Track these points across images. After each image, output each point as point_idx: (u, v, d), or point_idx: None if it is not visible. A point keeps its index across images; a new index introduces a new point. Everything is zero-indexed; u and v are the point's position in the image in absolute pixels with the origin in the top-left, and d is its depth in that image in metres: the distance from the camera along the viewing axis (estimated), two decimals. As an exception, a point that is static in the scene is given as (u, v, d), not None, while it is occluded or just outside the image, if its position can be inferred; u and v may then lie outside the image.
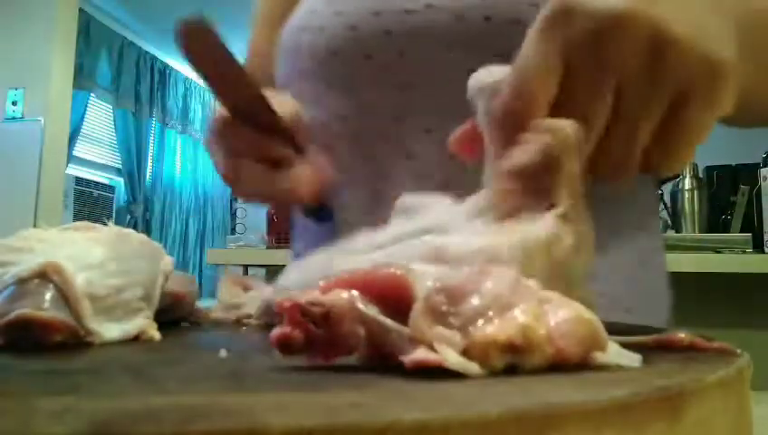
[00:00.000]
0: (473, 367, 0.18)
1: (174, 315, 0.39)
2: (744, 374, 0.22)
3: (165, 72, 4.71)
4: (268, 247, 2.29)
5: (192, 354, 0.29)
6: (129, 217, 4.24)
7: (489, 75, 0.32)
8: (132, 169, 4.31)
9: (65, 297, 0.28)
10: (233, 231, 5.14)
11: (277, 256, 2.01)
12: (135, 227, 3.28)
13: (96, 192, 4.04)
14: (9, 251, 0.31)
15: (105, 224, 0.37)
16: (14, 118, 3.30)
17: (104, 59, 4.03)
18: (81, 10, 3.61)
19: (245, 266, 2.61)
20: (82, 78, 3.77)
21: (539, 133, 0.28)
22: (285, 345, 0.21)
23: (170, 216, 4.72)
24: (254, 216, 5.42)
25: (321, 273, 0.35)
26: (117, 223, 0.37)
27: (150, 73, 4.52)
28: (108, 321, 0.30)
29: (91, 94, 3.93)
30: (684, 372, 0.20)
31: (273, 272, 1.81)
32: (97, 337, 0.29)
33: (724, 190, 1.93)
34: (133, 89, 4.31)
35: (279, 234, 2.28)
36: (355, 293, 0.21)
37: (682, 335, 0.26)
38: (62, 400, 0.16)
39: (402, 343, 0.19)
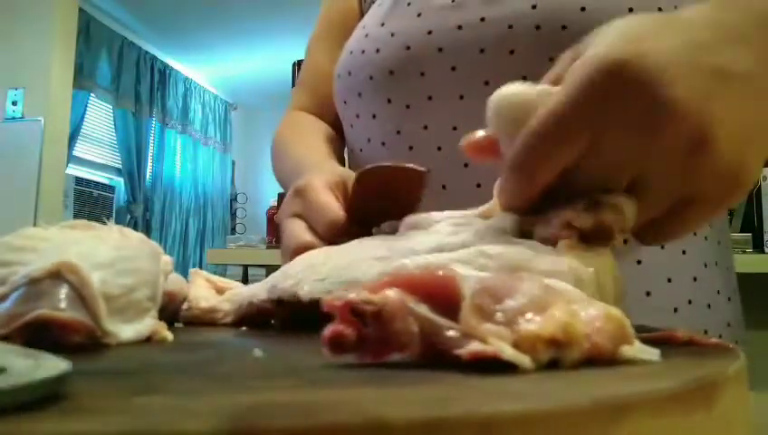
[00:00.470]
0: (525, 359, 0.19)
1: (166, 315, 0.39)
2: (746, 369, 0.24)
3: (165, 72, 4.71)
4: (268, 247, 2.29)
5: (226, 354, 0.29)
6: (129, 217, 4.24)
7: (509, 96, 0.32)
8: (132, 169, 4.31)
9: (81, 297, 0.28)
10: (233, 231, 5.15)
11: (277, 256, 2.01)
12: (135, 227, 3.28)
13: (96, 192, 4.04)
14: (10, 250, 0.31)
15: (105, 224, 0.37)
16: (14, 118, 3.30)
17: (104, 59, 4.02)
18: (81, 10, 3.61)
19: (245, 266, 2.61)
20: (82, 78, 3.77)
21: (598, 205, 0.28)
22: (338, 344, 0.21)
23: (170, 216, 4.72)
24: (254, 216, 5.43)
25: (328, 265, 0.35)
26: (117, 223, 0.37)
27: (150, 73, 4.51)
28: (121, 321, 0.29)
29: (91, 94, 3.93)
30: (703, 366, 0.21)
31: (272, 272, 1.80)
32: (113, 338, 0.28)
33: (725, 190, 1.93)
34: (133, 89, 4.31)
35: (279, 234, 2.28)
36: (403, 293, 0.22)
37: (681, 332, 0.27)
38: (173, 399, 0.16)
39: (454, 339, 0.20)
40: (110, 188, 4.23)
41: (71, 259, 0.28)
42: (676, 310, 0.53)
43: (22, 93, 3.32)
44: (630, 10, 0.51)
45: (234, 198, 5.59)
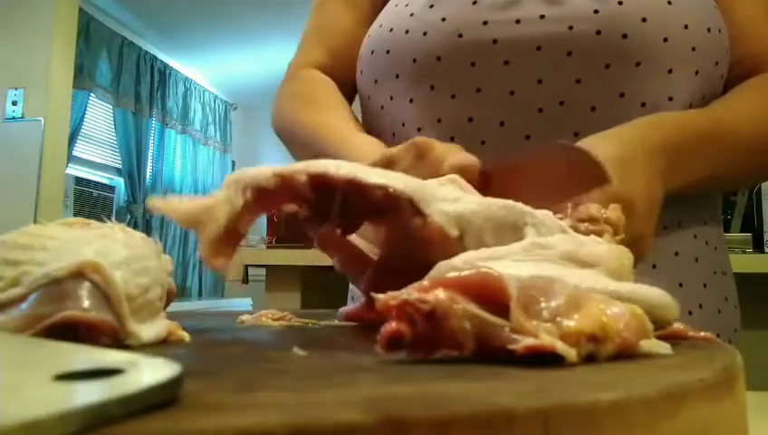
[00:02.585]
0: (572, 353, 0.21)
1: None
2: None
3: (165, 72, 4.71)
4: (268, 247, 2.29)
5: (267, 353, 0.29)
6: (129, 217, 4.23)
7: None
8: (132, 169, 4.30)
9: (106, 297, 0.27)
10: (233, 231, 5.14)
11: (277, 256, 2.01)
12: (135, 227, 3.26)
13: (96, 192, 4.03)
14: (17, 248, 0.30)
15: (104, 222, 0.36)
16: (14, 118, 3.30)
17: (104, 59, 4.02)
18: (81, 10, 3.61)
19: (246, 266, 2.60)
20: (82, 78, 3.76)
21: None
22: (394, 341, 0.22)
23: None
24: (255, 216, 5.39)
25: None
26: (118, 223, 0.36)
27: (150, 73, 4.51)
28: (137, 322, 0.29)
29: (91, 94, 3.93)
30: (716, 358, 0.23)
31: (273, 272, 1.81)
32: (134, 339, 0.27)
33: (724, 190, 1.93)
34: (133, 89, 4.30)
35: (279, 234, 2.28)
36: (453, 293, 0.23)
37: (680, 326, 0.30)
38: (290, 395, 0.16)
39: (505, 335, 0.22)
40: (110, 188, 4.23)
41: (93, 259, 0.27)
42: (690, 313, 0.55)
43: (22, 93, 3.31)
44: (686, 27, 0.53)
45: (234, 198, 5.58)
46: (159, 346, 0.29)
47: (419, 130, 0.58)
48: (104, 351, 0.19)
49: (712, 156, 0.52)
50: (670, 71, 0.53)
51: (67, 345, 0.21)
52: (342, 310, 0.45)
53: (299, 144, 0.66)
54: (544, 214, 0.34)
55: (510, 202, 0.34)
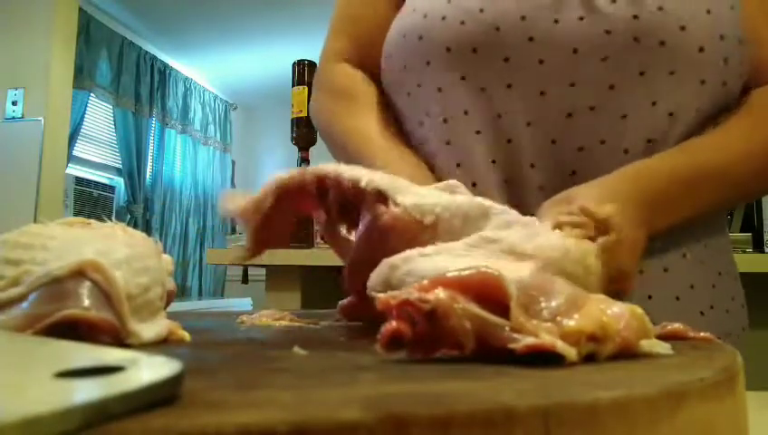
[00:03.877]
0: (572, 352, 0.21)
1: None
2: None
3: (165, 71, 4.71)
4: (268, 247, 2.28)
5: (267, 353, 0.29)
6: (128, 216, 4.23)
7: None
8: (132, 169, 4.30)
9: (107, 296, 0.27)
10: (233, 231, 5.14)
11: (277, 256, 2.01)
12: (135, 227, 3.24)
13: (96, 192, 4.03)
14: (18, 248, 0.30)
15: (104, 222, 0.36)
16: (14, 118, 3.30)
17: (104, 59, 4.02)
18: (81, 10, 3.61)
19: (245, 266, 2.60)
20: (82, 78, 3.76)
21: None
22: (395, 341, 0.22)
23: (170, 216, 4.71)
24: (254, 216, 5.37)
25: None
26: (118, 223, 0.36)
27: (150, 73, 4.51)
28: (138, 321, 0.29)
29: (91, 94, 3.93)
30: (716, 358, 0.23)
31: (273, 272, 1.81)
32: (135, 338, 0.27)
33: (724, 190, 1.93)
34: (133, 89, 4.30)
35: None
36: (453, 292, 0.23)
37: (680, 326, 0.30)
38: (289, 393, 0.16)
39: (505, 335, 0.22)
40: (110, 188, 4.23)
41: (94, 258, 0.27)
42: (702, 313, 0.56)
43: (22, 93, 3.31)
44: (721, 37, 0.52)
45: (234, 198, 5.58)
46: (160, 345, 0.29)
47: (445, 121, 0.57)
48: (105, 349, 0.19)
49: (699, 197, 0.52)
50: (703, 82, 0.53)
51: (67, 343, 0.21)
52: (341, 303, 0.45)
53: (336, 146, 0.65)
54: (507, 208, 0.35)
55: (478, 199, 0.35)
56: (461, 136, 0.57)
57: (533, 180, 0.54)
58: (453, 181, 0.39)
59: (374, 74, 0.66)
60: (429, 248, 0.30)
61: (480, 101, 0.55)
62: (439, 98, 0.57)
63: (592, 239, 0.35)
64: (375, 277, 0.27)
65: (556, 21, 0.54)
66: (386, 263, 0.27)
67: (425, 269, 0.28)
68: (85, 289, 0.27)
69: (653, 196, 0.50)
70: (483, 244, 0.30)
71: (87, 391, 0.13)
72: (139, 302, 0.29)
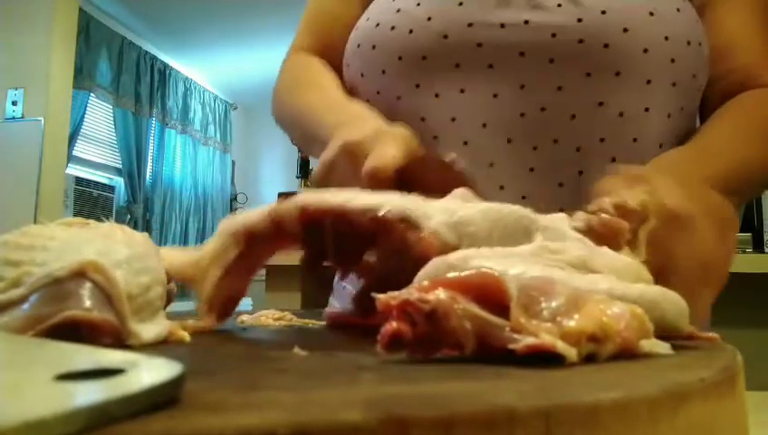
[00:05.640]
0: (573, 352, 0.21)
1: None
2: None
3: (165, 71, 4.71)
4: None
5: (267, 353, 0.29)
6: (128, 217, 4.24)
7: None
8: (132, 169, 4.30)
9: (108, 297, 0.27)
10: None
11: (277, 256, 2.01)
12: (135, 227, 3.25)
13: (96, 192, 4.03)
14: (18, 249, 0.29)
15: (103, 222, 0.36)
16: (14, 118, 3.30)
17: (104, 59, 4.02)
18: (81, 10, 3.61)
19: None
20: (82, 78, 3.76)
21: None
22: (395, 341, 0.22)
23: (170, 216, 4.72)
24: (254, 216, 5.38)
25: None
26: (117, 223, 0.36)
27: (150, 73, 4.51)
28: (138, 322, 0.28)
29: (91, 94, 3.93)
30: (715, 358, 0.23)
31: (273, 272, 1.81)
32: (135, 339, 0.27)
33: (725, 190, 1.93)
34: (133, 89, 4.30)
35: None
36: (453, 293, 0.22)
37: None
38: (290, 394, 0.16)
39: (506, 335, 0.22)
40: (110, 188, 4.23)
41: (94, 258, 0.27)
42: None
43: (22, 93, 3.31)
44: (666, 38, 0.53)
45: (234, 198, 5.58)
46: (160, 346, 0.28)
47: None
48: (104, 351, 0.19)
49: (749, 178, 0.53)
50: (649, 81, 0.54)
51: (67, 345, 0.21)
52: (328, 312, 0.44)
53: (292, 126, 0.66)
54: (558, 218, 0.34)
55: (517, 208, 0.32)
56: (421, 142, 0.58)
57: (494, 180, 0.55)
58: (461, 190, 0.37)
59: (337, 71, 0.67)
60: (485, 250, 0.29)
61: (435, 106, 0.57)
62: (397, 105, 0.59)
63: (632, 231, 0.34)
64: (426, 274, 0.26)
65: (502, 25, 0.55)
66: (442, 260, 0.26)
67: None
68: (86, 290, 0.26)
69: (716, 174, 0.48)
70: (546, 253, 0.29)
71: (88, 394, 0.13)
72: (139, 302, 0.29)
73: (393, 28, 0.58)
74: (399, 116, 0.58)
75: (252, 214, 0.35)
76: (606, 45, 0.53)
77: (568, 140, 0.54)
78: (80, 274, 0.27)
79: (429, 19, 0.57)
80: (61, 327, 0.25)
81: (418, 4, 0.58)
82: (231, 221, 0.35)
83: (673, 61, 0.54)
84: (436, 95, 0.57)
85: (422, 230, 0.31)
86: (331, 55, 0.67)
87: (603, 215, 0.34)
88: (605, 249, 0.31)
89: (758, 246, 1.70)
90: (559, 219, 0.34)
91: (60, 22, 3.37)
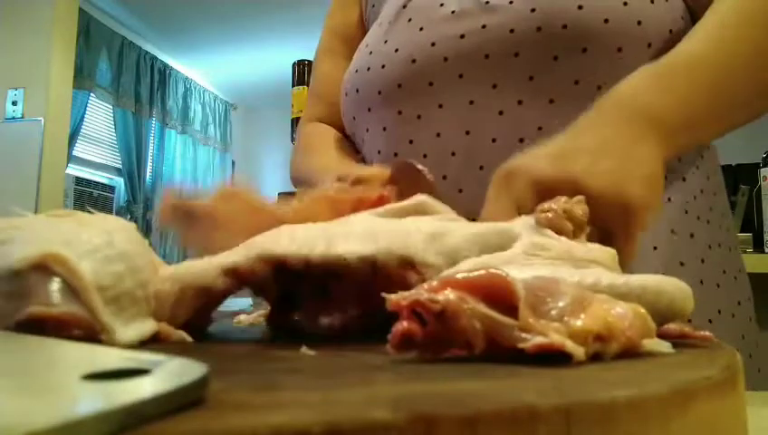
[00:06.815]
0: (580, 351, 0.22)
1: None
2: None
3: (165, 72, 4.71)
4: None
5: (275, 352, 0.29)
6: (129, 216, 4.23)
7: None
8: (132, 169, 4.30)
9: (74, 289, 0.25)
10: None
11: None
12: (135, 227, 3.25)
13: (96, 192, 4.03)
14: None
15: None
16: (14, 118, 3.30)
17: (104, 59, 4.02)
18: (81, 10, 3.61)
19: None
20: (82, 78, 3.76)
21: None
22: (406, 341, 0.22)
23: (170, 216, 4.71)
24: (254, 215, 5.38)
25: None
26: None
27: (150, 73, 4.51)
28: (119, 312, 0.27)
29: (91, 94, 3.93)
30: (717, 356, 0.24)
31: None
32: (111, 331, 0.25)
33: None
34: (133, 89, 4.30)
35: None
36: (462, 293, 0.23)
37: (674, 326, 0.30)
38: (313, 394, 0.17)
39: (515, 334, 0.22)
40: (110, 188, 4.23)
41: (56, 249, 0.25)
42: (720, 311, 0.56)
43: (22, 93, 3.31)
44: (625, 4, 0.53)
45: (233, 198, 5.58)
46: (160, 346, 0.28)
47: (395, 154, 0.62)
48: (126, 351, 0.19)
49: (696, 86, 0.48)
50: (619, 49, 0.53)
51: (84, 345, 0.22)
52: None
53: (303, 186, 0.70)
54: (522, 221, 0.34)
55: (492, 224, 0.35)
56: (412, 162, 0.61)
57: (485, 183, 0.55)
58: (422, 197, 0.38)
59: (344, 130, 0.73)
60: (485, 257, 0.30)
61: (419, 127, 0.60)
62: (385, 136, 0.62)
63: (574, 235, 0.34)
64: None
65: (462, 36, 0.57)
66: (453, 269, 0.27)
67: None
68: (50, 283, 0.25)
69: (646, 105, 0.46)
70: (536, 249, 0.30)
71: (120, 394, 0.13)
72: (115, 292, 0.27)
73: (369, 69, 0.63)
74: (390, 146, 0.62)
75: (203, 267, 0.31)
76: (564, 26, 0.53)
77: (551, 126, 0.53)
78: (41, 266, 0.25)
79: (397, 50, 0.61)
80: (27, 323, 0.24)
81: (386, 42, 0.62)
82: (176, 270, 0.31)
83: (640, 23, 0.54)
84: (418, 117, 0.59)
85: (422, 270, 0.31)
86: (340, 116, 0.72)
87: (558, 210, 0.34)
88: (574, 241, 0.33)
89: (758, 246, 1.70)
90: (523, 222, 0.34)
91: (60, 22, 3.37)
